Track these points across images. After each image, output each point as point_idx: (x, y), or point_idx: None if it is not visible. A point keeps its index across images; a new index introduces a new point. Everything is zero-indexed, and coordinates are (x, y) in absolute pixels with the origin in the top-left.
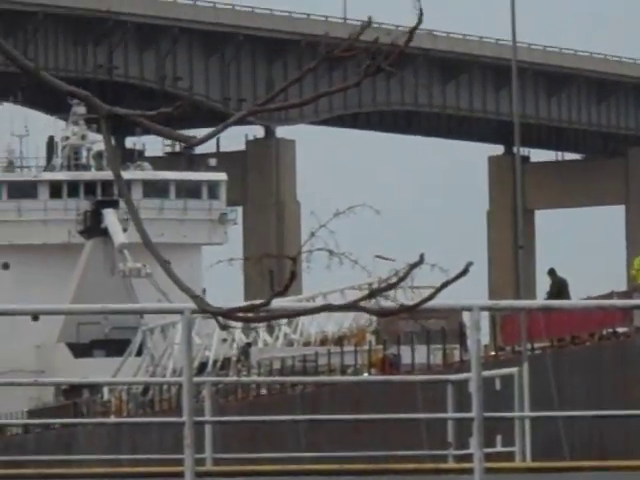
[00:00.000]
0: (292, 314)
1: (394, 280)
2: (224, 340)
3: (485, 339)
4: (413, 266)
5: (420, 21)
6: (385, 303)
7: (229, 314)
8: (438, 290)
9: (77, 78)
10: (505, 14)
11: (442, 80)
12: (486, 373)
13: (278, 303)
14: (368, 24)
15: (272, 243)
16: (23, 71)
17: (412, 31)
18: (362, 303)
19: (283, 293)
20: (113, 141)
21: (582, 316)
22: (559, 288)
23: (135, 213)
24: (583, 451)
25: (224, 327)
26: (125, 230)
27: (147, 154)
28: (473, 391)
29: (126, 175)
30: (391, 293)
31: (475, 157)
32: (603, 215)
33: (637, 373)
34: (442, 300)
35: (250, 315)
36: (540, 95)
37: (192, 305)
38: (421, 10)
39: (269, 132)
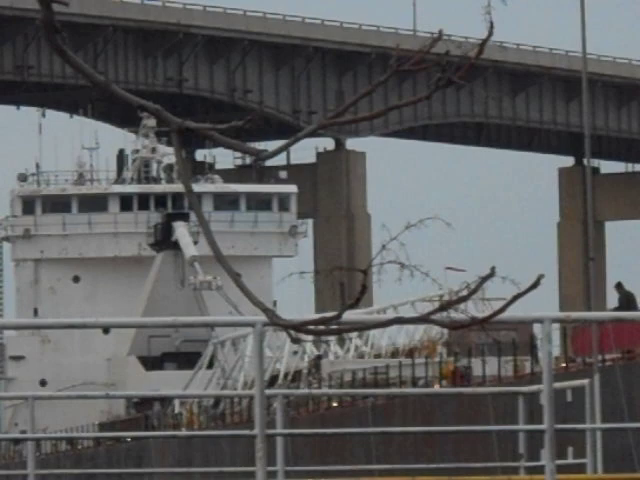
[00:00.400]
0: (363, 327)
1: (465, 293)
2: (295, 352)
3: (556, 351)
4: (484, 279)
5: (491, 33)
6: (456, 315)
7: (300, 327)
8: (510, 303)
9: (147, 91)
10: (575, 26)
11: (512, 92)
12: (557, 385)
13: (349, 316)
14: (439, 37)
15: (342, 256)
16: (94, 85)
17: (483, 43)
18: (434, 315)
19: (354, 306)
20: (184, 154)
21: None
22: (627, 301)
23: (206, 226)
24: None
25: (296, 340)
26: (196, 243)
27: (218, 167)
28: (544, 403)
29: (197, 188)
30: (462, 305)
31: (545, 169)
32: None
33: None
34: (513, 312)
35: (321, 328)
36: (610, 106)
37: (264, 318)
38: (492, 22)
39: (339, 144)
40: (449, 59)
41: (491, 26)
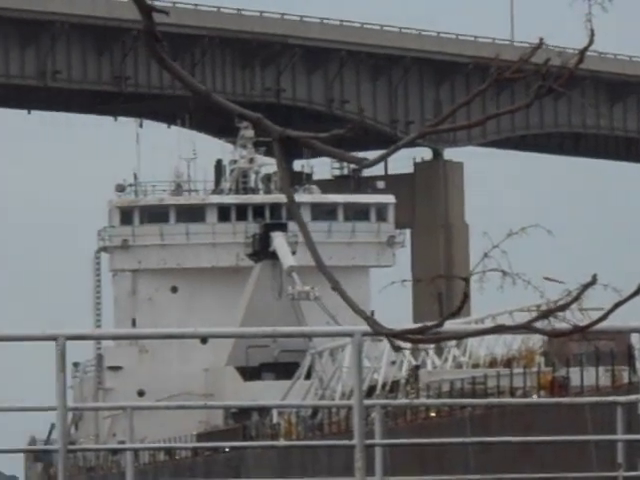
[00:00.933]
0: (463, 335)
1: (566, 301)
2: (393, 363)
3: None
4: (586, 286)
5: (592, 41)
6: (557, 324)
7: (401, 335)
8: (611, 310)
9: (245, 102)
10: None
11: (609, 101)
12: None
13: (448, 325)
14: (539, 45)
15: (440, 265)
16: (194, 94)
17: (583, 51)
18: (534, 324)
19: (456, 314)
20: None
21: None
22: None
23: (308, 235)
24: None
25: (397, 348)
26: (294, 253)
27: (315, 177)
28: None
29: (295, 199)
30: (562, 314)
31: None
32: None
33: None
34: (612, 322)
35: (422, 336)
36: None
37: (362, 327)
38: (592, 30)
39: (437, 154)
40: (548, 68)
41: (592, 34)
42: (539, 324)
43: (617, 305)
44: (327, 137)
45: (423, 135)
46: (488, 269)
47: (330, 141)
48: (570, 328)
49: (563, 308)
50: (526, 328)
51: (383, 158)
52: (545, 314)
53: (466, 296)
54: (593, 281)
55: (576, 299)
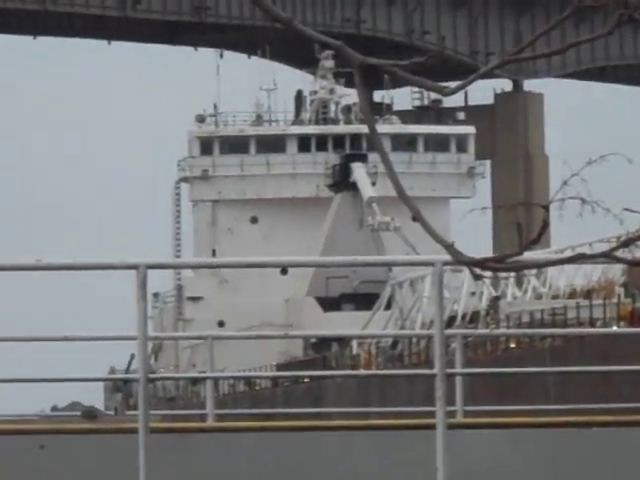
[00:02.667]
0: (543, 264)
1: None
2: (473, 293)
3: None
4: None
5: None
6: (638, 253)
7: (482, 264)
8: None
9: (325, 32)
10: None
11: None
12: None
13: (528, 255)
14: None
15: (520, 197)
16: (276, 22)
17: None
18: (616, 253)
19: (536, 242)
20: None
21: None
22: None
23: (388, 162)
24: None
25: (478, 277)
26: (374, 184)
27: (395, 108)
28: None
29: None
30: None
31: None
32: None
33: None
34: None
35: (503, 265)
36: None
37: (443, 257)
38: None
39: (517, 85)
40: None
41: None
42: (619, 253)
43: None
44: (408, 65)
45: (504, 64)
46: (567, 197)
47: (411, 69)
48: None
49: None
50: (606, 256)
51: (464, 86)
52: (625, 243)
53: (546, 224)
54: None
55: None
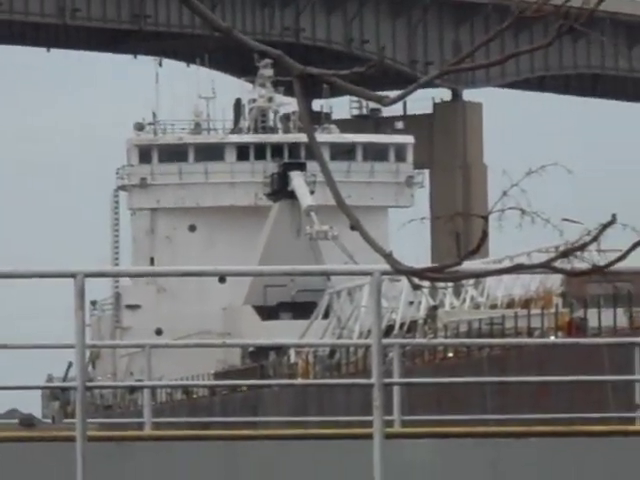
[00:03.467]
0: (482, 274)
1: (586, 240)
2: (411, 303)
3: None
4: (605, 226)
5: None
6: (577, 264)
7: (420, 273)
8: (630, 250)
9: (264, 40)
10: None
11: (628, 43)
12: None
13: (466, 265)
14: None
15: (459, 206)
16: (215, 31)
17: None
18: (554, 263)
19: (475, 252)
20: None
21: None
22: None
23: (328, 171)
24: None
25: (416, 287)
26: (312, 192)
27: (334, 117)
28: None
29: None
30: (582, 254)
31: None
32: None
33: None
34: (632, 262)
35: (441, 275)
36: None
37: (381, 266)
38: None
39: (456, 95)
40: (569, 8)
41: None
42: (558, 264)
43: (636, 244)
44: (347, 74)
45: (443, 74)
46: (507, 207)
47: (350, 79)
48: (589, 267)
49: (582, 247)
50: (545, 267)
51: (403, 96)
52: (564, 253)
53: (485, 234)
54: (612, 221)
55: (595, 238)
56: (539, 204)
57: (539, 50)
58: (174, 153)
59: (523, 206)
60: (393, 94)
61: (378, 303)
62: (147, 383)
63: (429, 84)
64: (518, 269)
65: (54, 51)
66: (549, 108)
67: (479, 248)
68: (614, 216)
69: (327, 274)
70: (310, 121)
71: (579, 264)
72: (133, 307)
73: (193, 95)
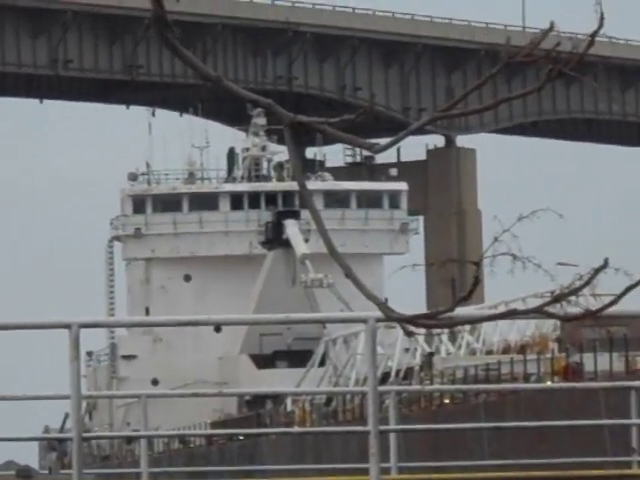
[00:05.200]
0: (476, 319)
1: (578, 285)
2: (407, 350)
3: None
4: (598, 270)
5: (601, 25)
6: (570, 309)
7: (414, 320)
8: (623, 294)
9: (257, 89)
10: None
11: (622, 87)
12: None
13: (461, 311)
14: (550, 29)
15: (453, 252)
16: (206, 80)
17: (594, 34)
18: (547, 308)
19: (467, 298)
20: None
21: None
22: None
23: (320, 220)
24: None
25: (409, 334)
26: (307, 241)
27: (328, 165)
28: None
29: (307, 186)
30: (575, 299)
31: None
32: None
33: None
34: (626, 307)
35: (435, 321)
36: None
37: (376, 314)
38: (602, 14)
39: (449, 141)
40: (559, 52)
41: (601, 17)
42: (552, 309)
43: (629, 289)
44: (338, 122)
45: (435, 120)
46: (498, 253)
47: (341, 126)
48: (582, 312)
49: (575, 292)
50: (538, 312)
51: (394, 143)
52: (557, 298)
53: (477, 280)
54: (605, 265)
55: (588, 283)
56: (531, 249)
57: (531, 95)
58: (168, 203)
59: (515, 251)
60: (385, 141)
61: (373, 350)
62: (144, 433)
63: (421, 130)
64: (511, 314)
65: (47, 102)
66: (543, 153)
67: (471, 294)
68: (606, 260)
69: (322, 322)
70: (301, 170)
71: (572, 309)
72: (129, 357)
73: (186, 144)
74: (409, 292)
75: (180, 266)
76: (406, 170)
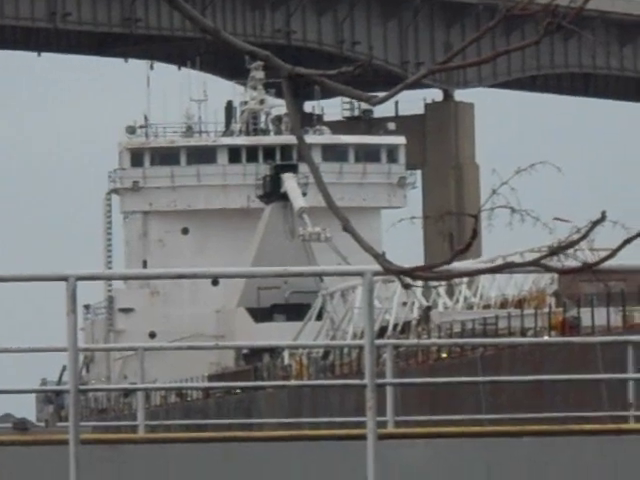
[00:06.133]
0: (473, 272)
1: (576, 237)
2: (404, 304)
3: None
4: (595, 223)
5: None
6: (567, 262)
7: (411, 273)
8: (620, 247)
9: (255, 43)
10: None
11: (620, 42)
12: None
13: (459, 265)
14: None
15: (451, 206)
16: (204, 32)
17: None
18: (544, 261)
19: (465, 251)
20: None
21: None
22: None
23: (318, 173)
24: None
25: (407, 286)
26: (304, 194)
27: (326, 118)
28: None
29: (305, 139)
30: (573, 252)
31: None
32: None
33: None
34: (624, 261)
35: (432, 274)
36: None
37: (373, 267)
38: None
39: (447, 95)
40: (557, 6)
41: None
42: (549, 262)
43: (626, 242)
44: (336, 74)
45: (433, 72)
46: (497, 206)
47: (339, 79)
48: (579, 265)
49: (572, 245)
50: (536, 265)
51: (391, 95)
52: (555, 251)
53: (475, 233)
54: (602, 218)
55: (585, 236)
56: (529, 203)
57: (529, 47)
58: (166, 156)
59: (513, 204)
60: (384, 94)
61: (370, 303)
62: (141, 386)
63: (419, 84)
64: (508, 267)
65: (45, 55)
66: (541, 107)
67: (469, 246)
68: (604, 213)
69: (320, 275)
70: (299, 121)
71: (570, 262)
72: (126, 310)
73: (185, 98)
74: (407, 246)
75: (178, 219)
76: (404, 124)
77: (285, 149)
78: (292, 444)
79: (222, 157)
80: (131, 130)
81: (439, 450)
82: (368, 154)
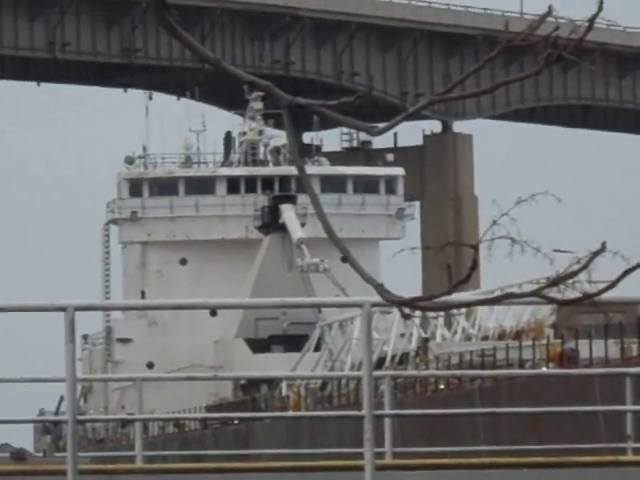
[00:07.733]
0: (472, 303)
1: (576, 268)
2: (402, 335)
3: None
4: (595, 254)
5: (600, 9)
6: (567, 293)
7: (411, 303)
8: (620, 278)
9: (254, 74)
10: None
11: (619, 74)
12: None
13: (457, 296)
14: (548, 14)
15: (450, 238)
16: (204, 62)
17: (592, 20)
18: (544, 292)
19: (465, 282)
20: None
21: None
22: None
23: (317, 202)
24: None
25: (406, 316)
26: (303, 225)
27: (325, 149)
28: None
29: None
30: (572, 283)
31: None
32: None
33: None
34: (623, 293)
35: (432, 304)
36: None
37: (372, 298)
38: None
39: (446, 127)
40: (557, 37)
41: (601, 1)
42: (549, 293)
43: (626, 272)
44: (336, 105)
45: (433, 102)
46: (497, 237)
47: (339, 109)
48: (579, 296)
49: (572, 276)
50: (535, 296)
51: (392, 125)
52: (554, 282)
53: (475, 263)
54: (602, 249)
55: (585, 266)
56: (529, 234)
57: (528, 79)
58: (164, 186)
59: (513, 235)
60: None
61: (369, 334)
62: (138, 416)
63: (418, 115)
64: (508, 298)
65: (44, 85)
66: (540, 139)
67: (469, 277)
68: (604, 244)
69: (318, 306)
70: (299, 152)
71: (569, 293)
72: (124, 341)
73: (183, 128)
74: (405, 277)
75: (176, 250)
76: (403, 155)
77: (284, 180)
78: (290, 475)
79: (221, 188)
80: (130, 160)
81: None
82: (367, 185)
